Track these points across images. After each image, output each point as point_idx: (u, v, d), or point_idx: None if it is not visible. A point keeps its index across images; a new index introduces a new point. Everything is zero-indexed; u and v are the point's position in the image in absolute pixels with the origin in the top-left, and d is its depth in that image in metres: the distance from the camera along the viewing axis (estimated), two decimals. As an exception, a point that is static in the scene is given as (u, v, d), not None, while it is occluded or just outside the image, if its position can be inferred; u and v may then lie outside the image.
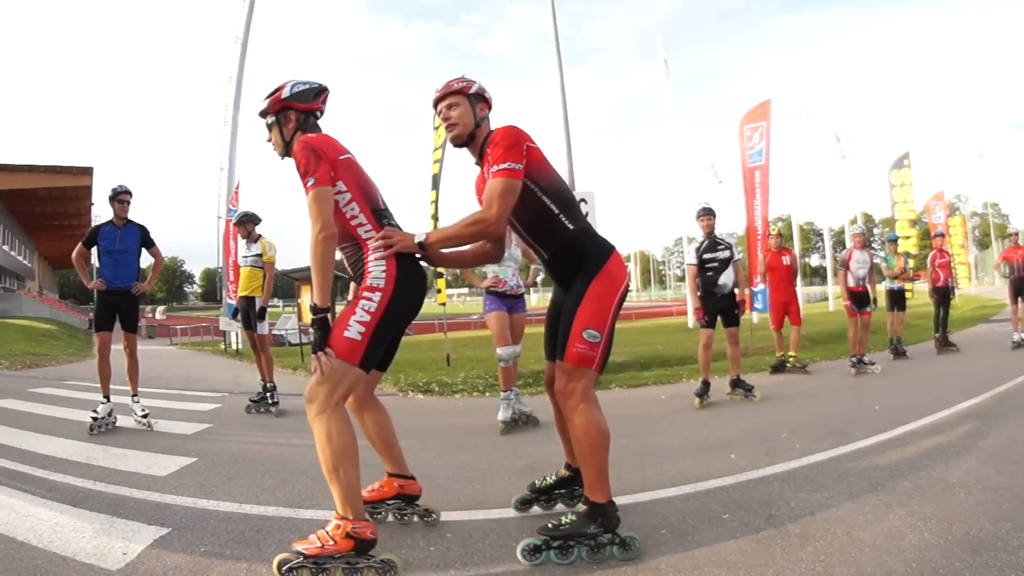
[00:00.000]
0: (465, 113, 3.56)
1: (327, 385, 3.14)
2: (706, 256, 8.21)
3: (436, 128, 13.10)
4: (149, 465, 5.44)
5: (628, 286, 3.52)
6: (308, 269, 3.43)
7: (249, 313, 8.87)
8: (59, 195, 50.45)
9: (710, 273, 8.18)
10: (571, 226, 3.44)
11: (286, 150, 3.57)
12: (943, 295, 13.11)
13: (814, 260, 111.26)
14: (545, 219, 3.44)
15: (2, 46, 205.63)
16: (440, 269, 13.92)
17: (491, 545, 3.47)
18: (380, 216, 3.48)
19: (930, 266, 13.43)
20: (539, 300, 61.14)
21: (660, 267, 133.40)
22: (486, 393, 9.57)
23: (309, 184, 3.21)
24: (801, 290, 16.10)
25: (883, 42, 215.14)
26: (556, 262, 3.54)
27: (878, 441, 5.50)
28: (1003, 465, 4.61)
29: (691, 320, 22.56)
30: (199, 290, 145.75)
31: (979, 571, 2.95)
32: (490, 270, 6.87)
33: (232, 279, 18.49)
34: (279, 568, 3.06)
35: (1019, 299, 12.62)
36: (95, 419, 6.94)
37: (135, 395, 7.39)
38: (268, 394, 8.48)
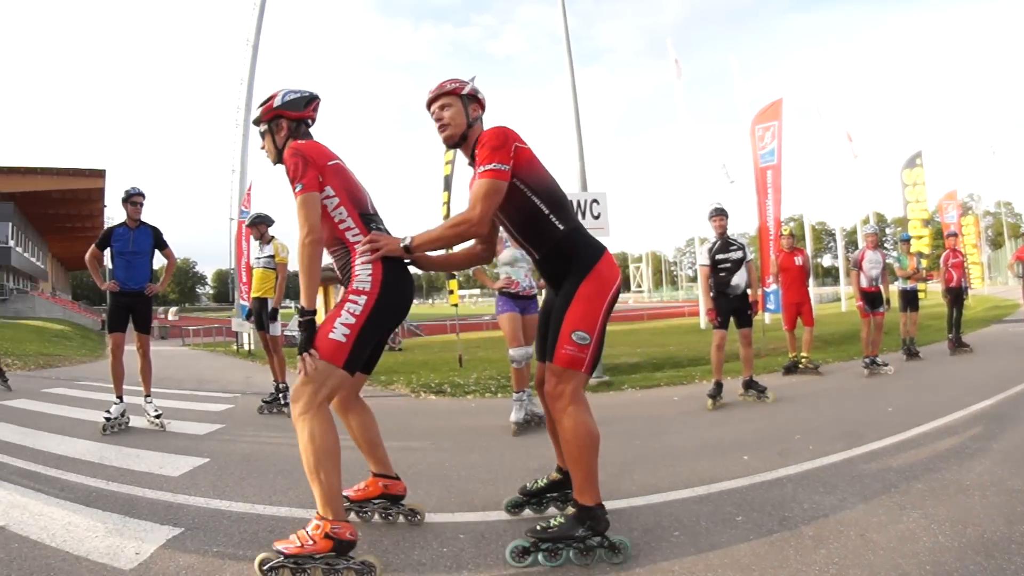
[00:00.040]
0: (458, 114, 3.58)
1: (312, 386, 3.19)
2: (719, 257, 8.19)
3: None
4: (162, 465, 5.46)
5: (620, 288, 3.50)
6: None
7: (262, 314, 8.90)
8: (72, 197, 50.87)
9: (723, 274, 8.15)
10: (561, 226, 3.44)
11: (278, 157, 3.63)
12: (956, 295, 13.01)
13: (826, 260, 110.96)
14: (535, 219, 3.44)
15: (17, 50, 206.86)
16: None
17: (504, 546, 3.46)
18: (368, 220, 3.54)
19: (943, 266, 13.33)
20: (550, 301, 60.92)
21: (672, 268, 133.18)
22: (498, 394, 9.58)
23: (297, 190, 3.29)
24: (813, 291, 16.04)
25: (895, 40, 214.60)
26: (547, 262, 3.54)
27: (891, 443, 5.47)
28: (1018, 467, 4.58)
29: (703, 321, 22.56)
30: (211, 291, 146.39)
31: (993, 574, 2.94)
32: (503, 271, 6.88)
33: (245, 280, 18.58)
34: (260, 567, 3.09)
35: (1032, 298, 12.54)
36: (108, 419, 6.97)
37: (148, 396, 7.42)
38: (280, 395, 8.49)
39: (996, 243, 77.05)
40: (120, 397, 7.20)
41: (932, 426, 6.03)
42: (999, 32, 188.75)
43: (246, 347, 22.70)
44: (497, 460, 5.50)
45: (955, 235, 14.07)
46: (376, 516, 3.97)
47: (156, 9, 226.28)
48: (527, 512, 4.02)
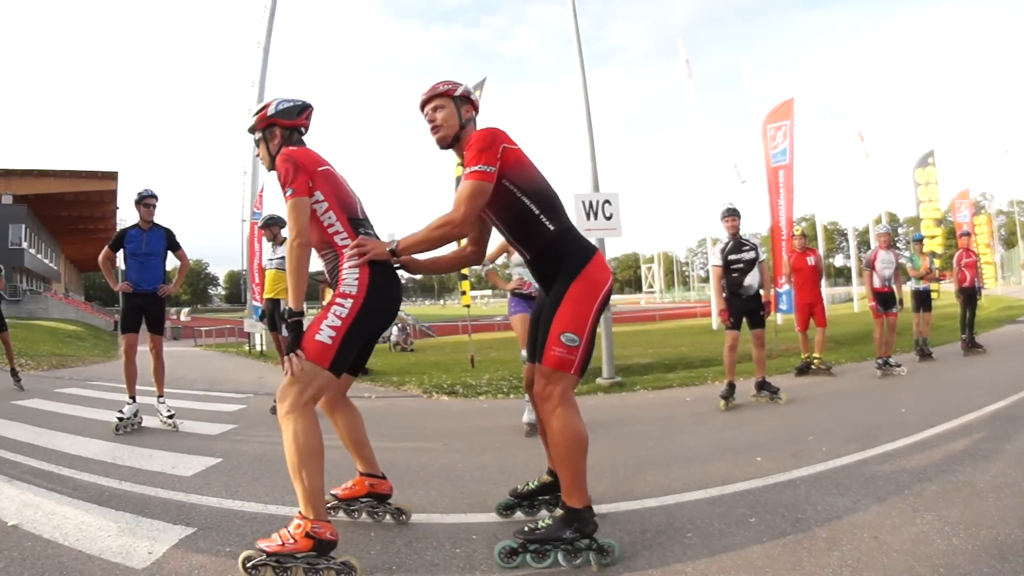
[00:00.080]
0: (450, 115, 3.61)
1: (297, 386, 3.24)
2: (731, 257, 8.17)
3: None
4: (174, 465, 5.49)
5: (611, 289, 3.49)
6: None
7: (275, 315, 8.94)
8: (85, 199, 51.20)
9: (735, 274, 8.14)
10: (552, 227, 3.44)
11: (272, 163, 3.69)
12: (969, 295, 12.90)
13: (838, 260, 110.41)
14: (525, 220, 3.45)
15: (31, 54, 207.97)
16: (464, 271, 13.97)
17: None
18: (357, 225, 3.60)
19: (956, 266, 13.20)
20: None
21: (683, 268, 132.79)
22: (510, 395, 9.59)
23: (288, 194, 3.37)
24: (825, 291, 15.99)
25: (906, 38, 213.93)
26: (537, 263, 3.55)
27: (905, 444, 5.45)
28: (1032, 469, 4.55)
29: (715, 321, 22.50)
30: (223, 292, 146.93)
31: (1008, 577, 2.93)
32: (515, 272, 6.89)
33: (257, 281, 18.62)
34: (243, 564, 3.13)
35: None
36: (121, 419, 7.01)
37: (161, 396, 7.47)
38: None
39: (1009, 242, 76.59)
40: (133, 397, 7.24)
41: (945, 427, 6.00)
42: (1012, 30, 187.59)
43: (258, 348, 22.79)
44: (510, 461, 5.51)
45: (968, 234, 13.95)
46: (364, 515, 4.02)
47: (168, 13, 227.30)
48: (518, 514, 4.02)
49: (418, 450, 6.14)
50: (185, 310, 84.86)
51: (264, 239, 10.03)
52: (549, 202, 3.49)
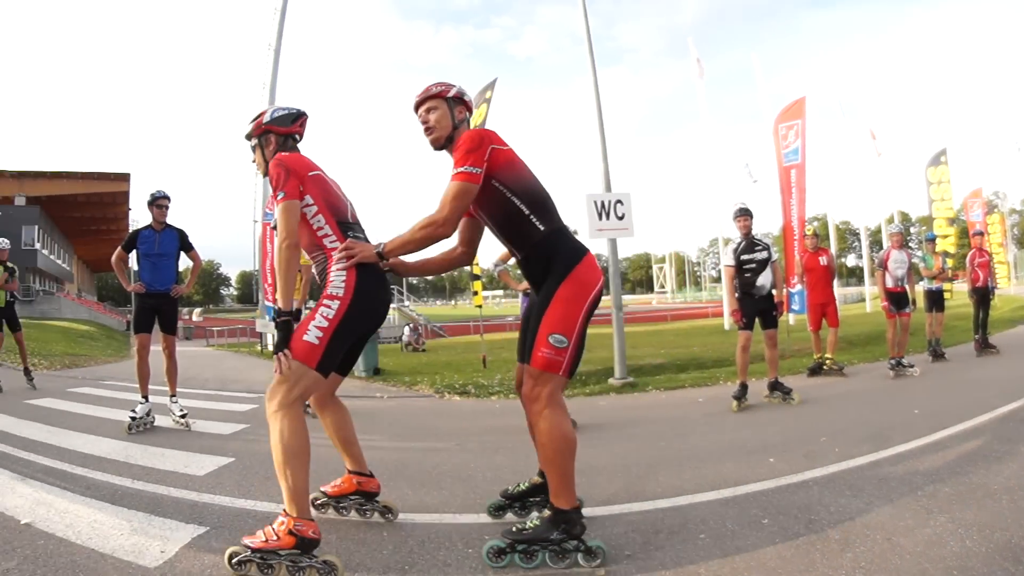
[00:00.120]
0: (443, 117, 3.65)
1: (285, 385, 3.33)
2: (744, 257, 8.16)
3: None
4: (187, 464, 5.52)
5: (602, 291, 3.49)
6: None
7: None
8: (97, 201, 51.43)
9: (748, 274, 8.12)
10: (542, 227, 3.45)
11: (267, 169, 3.76)
12: (982, 295, 12.82)
13: (850, 260, 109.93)
14: (516, 220, 3.47)
15: (44, 57, 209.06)
16: (476, 271, 13.99)
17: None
18: (346, 228, 3.66)
19: (969, 265, 13.10)
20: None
21: (695, 268, 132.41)
22: (522, 395, 9.53)
23: (279, 198, 3.46)
24: (838, 291, 15.94)
25: (918, 36, 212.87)
26: (528, 263, 3.56)
27: (918, 445, 5.43)
28: (1047, 471, 4.53)
29: (727, 322, 22.46)
30: (235, 292, 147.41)
31: (1022, 580, 2.92)
32: (526, 273, 6.90)
33: (269, 282, 18.64)
34: (229, 560, 3.19)
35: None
36: (133, 419, 7.05)
37: (173, 395, 7.52)
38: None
39: (1022, 242, 76.18)
40: (145, 397, 7.29)
41: (959, 428, 5.97)
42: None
43: (270, 347, 22.80)
44: (522, 461, 5.49)
45: (981, 234, 13.85)
46: (353, 512, 4.08)
47: (179, 15, 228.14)
48: (509, 516, 4.03)
49: (430, 450, 6.16)
50: (197, 310, 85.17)
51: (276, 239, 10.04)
52: (540, 203, 3.51)
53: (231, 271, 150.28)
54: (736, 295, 8.25)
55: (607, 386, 10.31)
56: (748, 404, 7.86)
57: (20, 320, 11.56)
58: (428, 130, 3.67)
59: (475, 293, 14.90)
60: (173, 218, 7.75)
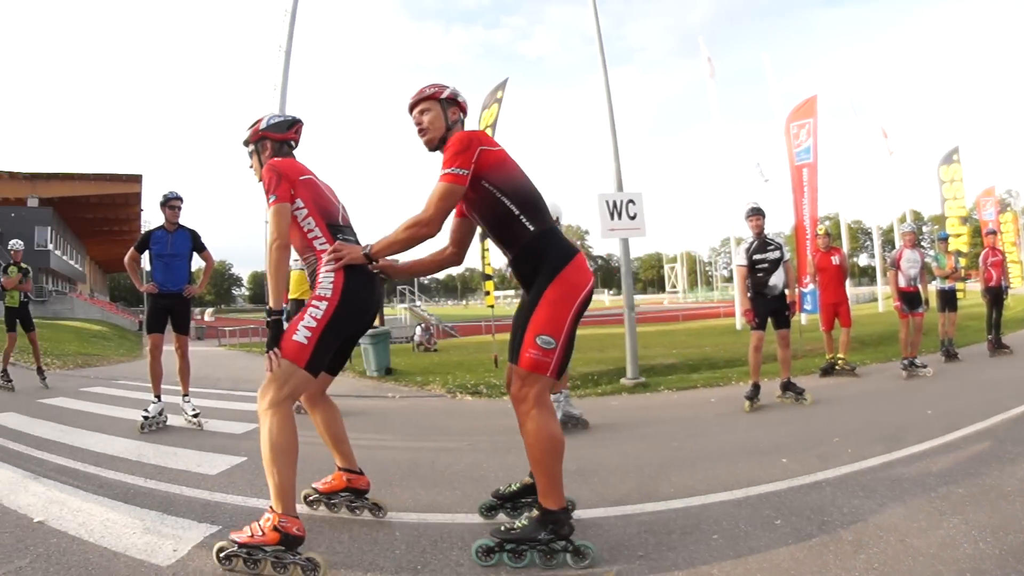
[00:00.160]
0: (436, 118, 3.68)
1: (275, 384, 3.40)
2: (756, 257, 8.14)
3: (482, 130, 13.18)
4: (199, 463, 5.56)
5: (591, 293, 3.49)
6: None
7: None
8: (109, 202, 51.82)
9: (760, 274, 8.10)
10: (531, 227, 3.46)
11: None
12: (996, 295, 12.71)
13: (862, 259, 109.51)
14: (506, 220, 3.48)
15: (57, 59, 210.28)
16: (488, 271, 13.99)
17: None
18: (336, 231, 3.77)
19: (982, 265, 12.98)
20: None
21: (707, 268, 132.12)
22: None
23: (270, 201, 3.59)
24: (850, 291, 15.87)
25: (930, 34, 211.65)
26: (518, 263, 3.56)
27: (931, 446, 5.41)
28: (1061, 472, 4.50)
29: (739, 322, 22.39)
30: (247, 293, 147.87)
31: (1036, 582, 2.91)
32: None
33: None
34: (217, 555, 3.27)
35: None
36: (146, 418, 7.11)
37: (186, 395, 7.56)
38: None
39: (1036, 241, 75.71)
40: (158, 396, 7.35)
41: (972, 429, 5.94)
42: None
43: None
44: (535, 462, 5.52)
45: (994, 233, 13.75)
46: (344, 509, 4.15)
47: (190, 17, 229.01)
48: (501, 516, 4.04)
49: (442, 450, 6.17)
50: (209, 310, 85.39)
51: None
52: (531, 203, 3.52)
53: (243, 271, 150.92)
54: (748, 295, 8.23)
55: (619, 386, 10.30)
56: (760, 404, 7.84)
57: (34, 320, 11.64)
58: (422, 131, 3.71)
59: (487, 293, 14.89)
60: (185, 219, 7.80)
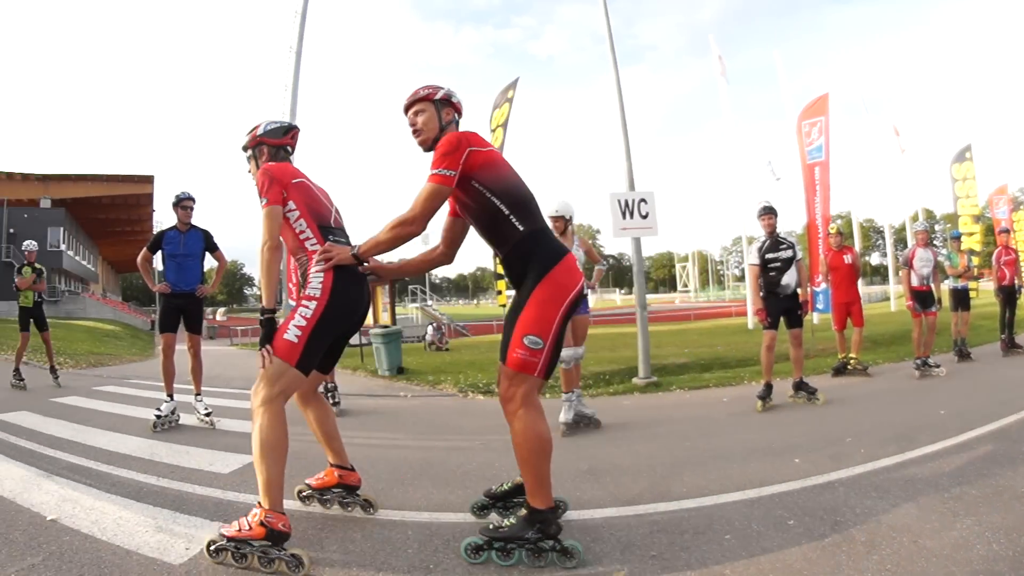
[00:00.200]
0: (430, 119, 3.71)
1: (267, 381, 3.49)
2: (768, 256, 8.11)
3: (493, 130, 13.21)
4: (211, 462, 5.59)
5: (580, 294, 3.50)
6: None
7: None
8: (122, 202, 52.16)
9: (773, 273, 8.07)
10: (521, 227, 3.48)
11: None
12: (1009, 294, 12.64)
13: (874, 258, 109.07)
14: (495, 219, 3.51)
15: (69, 60, 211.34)
16: (500, 270, 14.00)
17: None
18: (327, 232, 3.85)
19: (995, 264, 12.90)
20: (595, 301, 60.95)
21: (718, 267, 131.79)
22: (546, 395, 9.50)
23: (263, 203, 3.68)
24: (862, 290, 15.81)
25: (942, 31, 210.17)
26: (508, 263, 3.59)
27: (944, 447, 5.38)
28: (1076, 472, 4.48)
29: (751, 321, 22.33)
30: (259, 292, 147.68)
31: (1050, 585, 2.90)
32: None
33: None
34: (208, 547, 3.36)
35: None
36: (159, 417, 7.16)
37: (198, 394, 7.61)
38: (329, 394, 8.61)
39: (1050, 239, 75.24)
40: (171, 395, 7.40)
41: (985, 430, 5.91)
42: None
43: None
44: (547, 461, 5.52)
45: (1007, 231, 13.68)
46: (336, 505, 4.22)
47: (202, 18, 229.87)
48: (493, 515, 4.04)
49: (454, 449, 6.18)
50: (221, 310, 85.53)
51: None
52: (522, 203, 3.54)
53: (255, 271, 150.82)
54: (761, 294, 8.21)
55: (631, 385, 10.28)
56: (773, 404, 7.82)
57: (47, 320, 11.72)
58: (416, 132, 3.75)
59: (499, 292, 14.92)
60: (198, 219, 7.84)
